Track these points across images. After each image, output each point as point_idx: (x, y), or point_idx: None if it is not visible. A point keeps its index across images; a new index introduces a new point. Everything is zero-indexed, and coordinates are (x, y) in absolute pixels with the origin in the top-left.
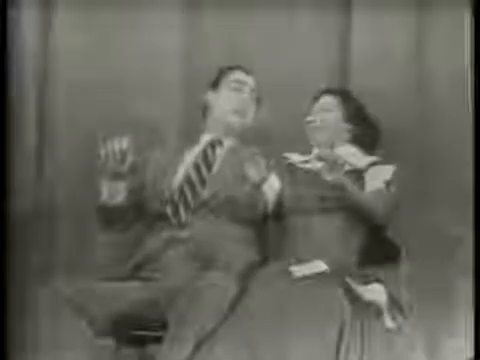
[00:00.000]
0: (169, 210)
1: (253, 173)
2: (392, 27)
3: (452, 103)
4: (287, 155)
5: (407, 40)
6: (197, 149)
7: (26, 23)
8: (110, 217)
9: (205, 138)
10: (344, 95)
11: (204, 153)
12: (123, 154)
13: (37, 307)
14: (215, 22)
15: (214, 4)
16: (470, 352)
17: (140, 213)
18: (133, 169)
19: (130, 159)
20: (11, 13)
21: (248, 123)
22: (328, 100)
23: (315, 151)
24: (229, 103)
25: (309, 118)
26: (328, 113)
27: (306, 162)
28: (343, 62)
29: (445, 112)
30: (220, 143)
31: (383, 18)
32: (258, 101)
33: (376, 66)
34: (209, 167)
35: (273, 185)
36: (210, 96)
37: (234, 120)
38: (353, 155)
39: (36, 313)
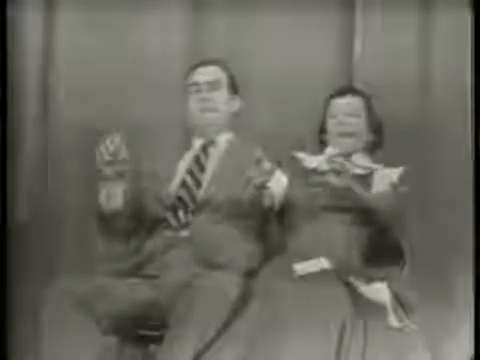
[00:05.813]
0: (168, 215)
1: (255, 174)
2: (394, 28)
3: (453, 103)
4: (295, 154)
5: (409, 40)
6: (191, 153)
7: (27, 23)
8: (110, 225)
9: (197, 142)
10: (368, 99)
11: (196, 157)
12: (116, 149)
13: (39, 306)
14: (216, 22)
15: (215, 4)
16: (470, 351)
17: (139, 219)
18: (127, 163)
19: (123, 155)
20: (11, 13)
21: (227, 114)
22: (355, 103)
23: (326, 153)
24: (193, 105)
25: (340, 118)
26: (357, 118)
27: (313, 162)
28: (346, 62)
29: (446, 112)
30: (212, 143)
31: (386, 19)
32: (232, 88)
33: (378, 66)
34: (202, 169)
35: (280, 181)
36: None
37: (206, 118)
38: (362, 161)
39: (38, 312)
